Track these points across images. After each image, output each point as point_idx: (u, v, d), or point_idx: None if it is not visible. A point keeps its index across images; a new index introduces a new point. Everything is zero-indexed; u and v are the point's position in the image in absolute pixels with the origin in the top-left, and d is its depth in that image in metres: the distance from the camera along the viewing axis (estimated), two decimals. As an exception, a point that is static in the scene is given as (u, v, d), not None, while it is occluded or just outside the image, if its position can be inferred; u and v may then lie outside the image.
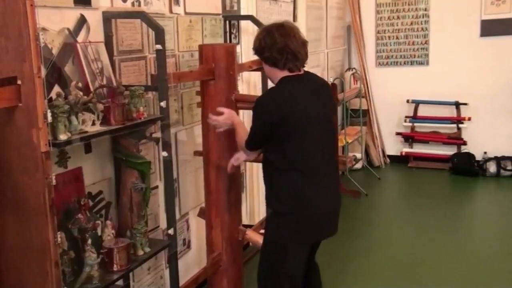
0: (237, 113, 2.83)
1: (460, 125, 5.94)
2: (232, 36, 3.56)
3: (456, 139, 5.96)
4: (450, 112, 6.01)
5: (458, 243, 4.03)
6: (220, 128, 2.64)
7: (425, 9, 6.03)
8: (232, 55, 2.78)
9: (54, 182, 1.71)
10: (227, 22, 3.48)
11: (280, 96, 2.27)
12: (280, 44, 2.26)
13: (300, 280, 2.45)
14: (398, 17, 6.16)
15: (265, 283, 2.46)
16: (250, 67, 3.42)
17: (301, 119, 2.25)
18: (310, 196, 2.30)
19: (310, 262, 2.55)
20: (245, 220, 3.77)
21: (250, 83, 3.84)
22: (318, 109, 2.34)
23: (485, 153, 5.81)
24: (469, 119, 5.89)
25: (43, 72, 1.79)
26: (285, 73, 2.32)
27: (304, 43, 2.34)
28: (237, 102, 2.80)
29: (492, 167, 5.70)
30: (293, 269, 2.39)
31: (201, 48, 2.78)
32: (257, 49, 2.35)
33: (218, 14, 3.39)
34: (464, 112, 5.94)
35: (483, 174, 5.70)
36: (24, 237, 1.75)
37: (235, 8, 3.60)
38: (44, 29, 1.99)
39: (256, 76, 3.71)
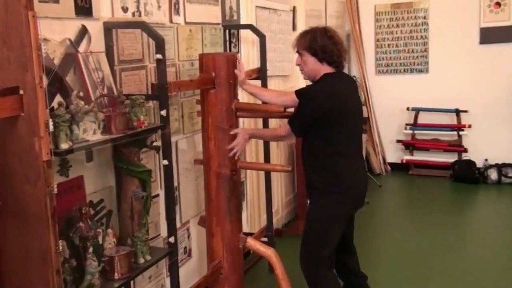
0: (237, 122, 2.85)
1: (461, 133, 5.95)
2: (232, 45, 3.58)
3: (457, 147, 5.97)
4: (451, 119, 6.03)
5: (459, 251, 4.03)
6: (241, 149, 2.84)
7: (424, 17, 6.07)
8: (232, 64, 2.80)
9: (55, 190, 1.72)
10: (227, 31, 3.51)
11: (331, 88, 2.63)
12: (331, 44, 2.65)
13: (334, 248, 2.78)
14: (397, 25, 6.20)
15: (310, 254, 2.76)
16: (249, 75, 3.44)
17: (345, 109, 2.65)
18: (351, 176, 2.73)
19: (346, 239, 2.93)
20: (246, 228, 3.78)
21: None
22: (354, 101, 2.76)
23: (486, 160, 5.82)
24: (470, 126, 5.90)
25: (45, 82, 1.81)
26: (328, 70, 2.67)
27: (344, 45, 2.78)
28: (237, 111, 2.82)
29: (493, 174, 5.70)
30: (334, 239, 2.75)
31: (202, 57, 2.80)
32: (314, 48, 2.64)
33: (218, 24, 3.42)
34: (465, 119, 5.95)
35: (484, 181, 5.71)
36: (26, 245, 1.76)
37: (235, 17, 3.63)
38: (46, 39, 2.02)
39: (256, 84, 3.73)
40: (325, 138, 2.65)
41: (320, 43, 2.64)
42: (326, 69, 2.67)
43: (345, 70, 6.39)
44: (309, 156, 2.73)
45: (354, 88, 2.84)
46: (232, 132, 2.80)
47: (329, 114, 2.59)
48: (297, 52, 2.76)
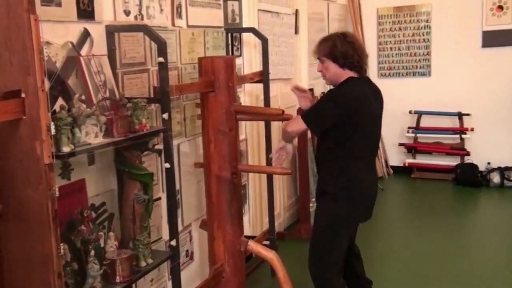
0: (237, 125, 2.85)
1: (463, 136, 5.94)
2: (234, 48, 3.59)
3: (459, 150, 5.96)
4: (453, 122, 6.02)
5: (462, 254, 4.01)
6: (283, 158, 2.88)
7: (427, 21, 6.06)
8: (231, 67, 2.80)
9: (57, 193, 1.72)
10: (229, 34, 3.52)
11: (355, 92, 2.64)
12: (352, 50, 2.67)
13: (344, 256, 2.80)
14: (399, 29, 6.20)
15: (319, 258, 2.76)
16: (251, 78, 3.45)
17: (367, 114, 2.65)
18: (365, 182, 2.74)
19: (352, 245, 2.96)
20: (248, 231, 3.77)
21: (252, 95, 3.86)
22: (376, 108, 2.75)
23: (488, 163, 5.80)
24: (472, 129, 5.89)
25: (47, 85, 1.82)
26: (351, 74, 2.68)
27: (365, 50, 2.80)
28: (236, 114, 2.82)
29: (495, 178, 5.69)
30: (343, 245, 2.75)
31: (201, 60, 2.81)
32: (334, 54, 2.67)
33: (220, 27, 3.42)
34: (467, 122, 5.94)
35: (486, 184, 5.69)
36: (27, 248, 1.76)
37: (237, 20, 3.64)
38: (48, 42, 2.02)
39: (258, 87, 3.74)
40: (343, 142, 2.65)
41: (340, 49, 2.66)
42: (348, 73, 2.69)
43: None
44: (325, 159, 2.75)
45: (376, 95, 2.78)
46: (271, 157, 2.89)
47: (350, 118, 2.59)
48: (318, 58, 2.77)
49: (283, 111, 2.81)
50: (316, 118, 2.68)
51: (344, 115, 2.59)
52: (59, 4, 2.11)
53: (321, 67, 2.78)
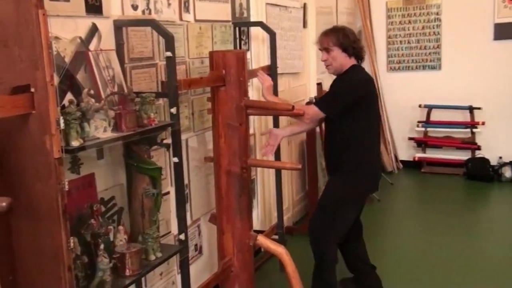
0: (248, 119, 2.85)
1: (474, 130, 5.89)
2: (242, 42, 3.58)
3: (470, 144, 5.92)
4: (464, 116, 5.98)
5: (473, 250, 3.99)
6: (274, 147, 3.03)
7: (437, 13, 6.01)
8: (242, 61, 2.79)
9: (66, 188, 1.74)
10: (237, 28, 3.51)
11: (364, 77, 2.97)
12: (359, 41, 2.99)
13: (347, 230, 3.01)
14: (409, 22, 6.16)
15: (321, 229, 2.95)
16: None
17: (373, 96, 2.98)
18: (373, 158, 3.03)
19: (356, 225, 3.15)
20: (256, 226, 3.78)
21: (260, 89, 3.85)
22: (376, 91, 3.07)
23: (500, 157, 5.76)
24: (483, 123, 5.85)
25: (56, 80, 1.82)
26: (354, 62, 2.96)
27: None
28: (247, 108, 2.82)
29: (507, 172, 5.65)
30: (350, 219, 2.98)
31: (212, 54, 2.80)
32: (345, 44, 2.90)
33: (228, 21, 3.42)
34: (478, 116, 5.90)
35: (498, 179, 5.66)
36: (38, 242, 1.78)
37: (245, 15, 3.63)
38: (56, 37, 2.03)
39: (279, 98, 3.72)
40: (356, 121, 2.88)
41: (351, 39, 2.92)
42: (352, 62, 2.95)
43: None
44: (337, 138, 2.95)
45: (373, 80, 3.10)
46: (262, 134, 3.03)
47: (363, 99, 2.87)
48: (324, 48, 2.96)
49: (293, 107, 2.80)
50: (334, 104, 2.89)
51: (359, 98, 2.85)
52: (67, -1, 2.12)
53: (327, 56, 2.94)
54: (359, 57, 2.98)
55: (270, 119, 3.75)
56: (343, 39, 2.90)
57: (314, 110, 2.91)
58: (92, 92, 2.06)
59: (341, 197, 2.93)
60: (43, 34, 1.63)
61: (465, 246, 4.04)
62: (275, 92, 3.52)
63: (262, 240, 2.94)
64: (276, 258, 3.12)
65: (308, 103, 4.32)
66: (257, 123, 3.84)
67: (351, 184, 2.94)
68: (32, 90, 1.67)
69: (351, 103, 2.85)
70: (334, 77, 3.07)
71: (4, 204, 1.44)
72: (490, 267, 3.68)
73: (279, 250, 2.93)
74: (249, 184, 2.95)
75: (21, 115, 1.68)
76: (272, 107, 3.10)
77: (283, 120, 3.99)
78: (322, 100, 2.98)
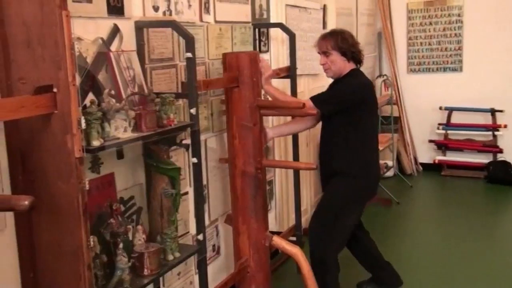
0: (262, 120, 2.87)
1: (496, 133, 5.81)
2: (262, 43, 3.58)
3: (492, 147, 5.84)
4: (485, 119, 5.89)
5: (493, 254, 3.93)
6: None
7: (459, 15, 5.94)
8: (255, 62, 2.81)
9: (87, 187, 1.76)
10: (257, 30, 3.51)
11: (363, 81, 2.98)
12: (357, 44, 2.98)
13: (348, 237, 3.00)
14: (430, 23, 6.09)
15: (323, 236, 2.88)
16: (279, 74, 3.44)
17: (372, 100, 2.99)
18: (374, 162, 3.02)
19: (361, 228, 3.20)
20: (274, 227, 3.77)
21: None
22: (375, 96, 3.10)
23: (522, 161, 5.67)
24: (505, 126, 5.76)
25: (78, 80, 1.85)
26: (353, 66, 2.96)
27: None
28: (260, 109, 2.82)
29: (529, 176, 5.56)
30: (350, 225, 2.95)
31: (225, 56, 2.82)
32: (344, 48, 2.89)
33: (248, 22, 3.42)
34: (500, 119, 5.81)
35: (520, 183, 5.56)
36: (59, 240, 1.80)
37: (265, 16, 3.63)
38: (79, 38, 2.05)
39: (286, 83, 3.72)
40: (355, 124, 2.87)
41: (350, 43, 2.91)
42: (351, 65, 2.94)
43: (376, 69, 6.38)
44: (337, 142, 2.91)
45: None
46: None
47: (363, 103, 2.87)
48: (323, 52, 2.95)
49: (304, 104, 2.80)
50: (329, 101, 2.88)
51: (358, 101, 2.85)
52: (90, 1, 2.14)
53: (325, 60, 2.95)
54: (358, 61, 2.97)
55: (288, 120, 3.74)
56: (342, 43, 2.90)
57: (307, 104, 2.85)
58: (113, 92, 2.08)
59: (342, 202, 2.89)
60: (66, 35, 1.65)
61: (486, 251, 3.98)
62: (294, 93, 3.52)
63: (277, 240, 2.94)
64: (293, 260, 3.12)
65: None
66: (275, 123, 3.84)
67: (353, 190, 2.90)
68: (55, 90, 1.69)
69: (348, 105, 2.85)
70: None
71: (26, 202, 1.45)
72: (509, 271, 3.62)
73: (294, 250, 2.92)
74: (264, 184, 2.96)
75: (43, 115, 1.70)
76: (283, 105, 3.10)
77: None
78: (318, 97, 2.92)
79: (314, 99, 2.90)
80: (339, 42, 2.90)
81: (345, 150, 2.90)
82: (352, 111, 2.85)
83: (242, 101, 2.77)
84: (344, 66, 2.93)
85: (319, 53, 3.02)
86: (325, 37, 2.97)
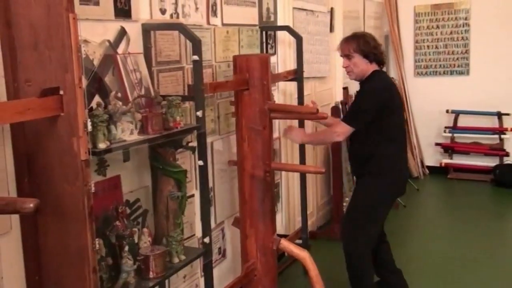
0: (271, 123, 2.85)
1: (503, 136, 5.78)
2: (269, 46, 3.58)
3: (498, 150, 5.80)
4: (492, 122, 5.86)
5: (500, 257, 3.90)
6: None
7: (466, 18, 5.92)
8: (265, 65, 2.80)
9: (93, 189, 1.75)
10: (264, 32, 3.51)
11: (387, 83, 3.01)
12: (380, 46, 3.02)
13: (378, 233, 3.08)
14: (437, 27, 6.07)
15: (355, 232, 2.96)
16: (285, 77, 3.43)
17: (396, 101, 3.00)
18: (401, 162, 3.07)
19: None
20: (281, 230, 3.76)
21: (286, 93, 3.84)
22: (399, 94, 3.12)
23: (529, 165, 5.63)
24: (512, 129, 5.73)
25: (84, 82, 1.85)
26: (375, 67, 2.98)
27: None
28: (270, 112, 2.81)
29: (536, 180, 5.51)
30: (380, 223, 3.05)
31: (235, 58, 2.81)
32: (363, 49, 2.92)
33: (255, 25, 3.42)
34: (507, 122, 5.78)
35: (527, 186, 5.52)
36: (64, 243, 1.80)
37: (272, 19, 3.62)
38: (86, 41, 2.06)
39: (293, 86, 3.72)
40: (382, 127, 2.91)
41: (372, 45, 2.95)
42: (373, 67, 2.97)
43: (383, 72, 6.35)
44: (364, 145, 2.96)
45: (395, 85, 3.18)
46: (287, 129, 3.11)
47: (386, 105, 2.90)
48: (345, 55, 2.99)
49: (317, 110, 2.79)
50: (360, 116, 2.92)
51: (382, 105, 2.87)
52: (97, 3, 2.14)
53: (348, 63, 2.98)
54: (380, 62, 3.01)
55: (295, 123, 3.73)
56: (364, 46, 2.93)
57: (344, 128, 2.94)
58: (119, 95, 2.08)
59: (373, 200, 2.96)
60: (73, 37, 1.65)
61: (493, 254, 3.95)
62: (300, 96, 3.50)
63: (285, 244, 2.92)
64: (299, 263, 3.10)
65: (333, 108, 4.30)
66: (282, 127, 3.83)
67: (381, 190, 2.97)
68: (61, 92, 1.69)
69: (375, 112, 2.89)
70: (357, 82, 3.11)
71: (31, 205, 1.45)
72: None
73: (302, 254, 2.91)
74: (272, 188, 2.94)
75: (49, 117, 1.70)
76: (296, 110, 3.09)
77: (308, 124, 3.97)
78: (348, 116, 3.02)
79: (346, 120, 2.97)
80: (361, 45, 2.93)
81: (371, 153, 2.95)
82: (378, 115, 2.89)
83: (251, 104, 2.76)
84: (366, 68, 2.97)
85: (341, 56, 3.06)
86: (347, 40, 3.01)
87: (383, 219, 3.11)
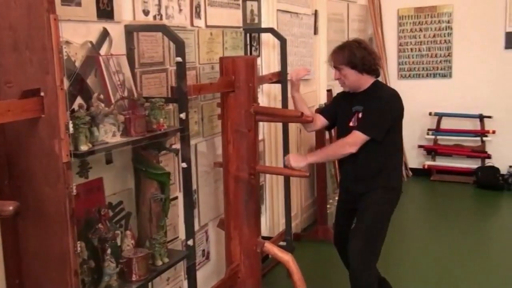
0: (257, 125, 2.84)
1: (484, 138, 5.85)
2: (253, 48, 3.58)
3: (480, 153, 5.87)
4: (474, 125, 5.93)
5: (482, 259, 3.95)
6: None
7: (448, 22, 5.99)
8: (252, 67, 2.80)
9: (74, 192, 1.74)
10: (248, 35, 3.51)
11: (393, 91, 2.91)
12: (367, 55, 2.80)
13: None
14: (420, 30, 6.13)
15: (370, 249, 2.80)
16: (270, 79, 3.44)
17: (403, 111, 2.90)
18: (401, 172, 3.04)
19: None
20: (265, 232, 3.76)
21: (270, 95, 3.85)
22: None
23: (510, 166, 5.70)
24: (494, 132, 5.80)
25: (66, 84, 1.83)
26: (370, 78, 2.84)
27: (377, 53, 2.99)
28: (256, 114, 2.81)
29: (517, 181, 5.59)
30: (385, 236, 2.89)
31: (222, 60, 2.81)
32: (354, 61, 2.78)
33: (239, 27, 3.42)
34: (488, 125, 5.85)
35: (508, 188, 5.59)
36: (45, 246, 1.78)
37: (256, 21, 3.63)
38: (67, 42, 2.04)
39: (277, 88, 3.72)
40: (391, 138, 2.82)
41: (359, 56, 2.78)
42: (369, 78, 2.84)
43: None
44: (375, 157, 2.81)
45: None
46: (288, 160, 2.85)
47: (400, 116, 2.87)
48: (335, 67, 2.86)
49: (302, 113, 2.80)
50: (379, 127, 2.77)
51: (398, 115, 2.85)
52: (79, 4, 2.12)
53: (339, 75, 2.86)
54: (372, 71, 2.83)
55: (279, 125, 3.74)
56: (350, 57, 2.78)
57: (360, 137, 2.74)
58: (102, 96, 2.07)
59: (387, 219, 2.87)
60: (54, 39, 1.64)
61: (475, 255, 4.00)
62: (285, 99, 3.51)
63: (269, 247, 2.93)
64: (283, 265, 3.11)
65: (318, 110, 4.32)
66: (266, 129, 3.84)
67: (391, 204, 2.88)
68: (42, 94, 1.67)
69: (393, 122, 2.81)
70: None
71: (11, 208, 1.44)
72: (498, 275, 3.63)
73: (286, 257, 2.92)
74: (257, 190, 2.94)
75: (30, 119, 1.69)
76: (281, 114, 3.10)
77: (292, 126, 3.98)
78: (365, 125, 2.77)
79: (363, 129, 2.75)
80: (347, 57, 2.79)
81: (384, 163, 2.82)
82: (392, 124, 2.81)
83: (237, 106, 2.76)
84: (359, 78, 2.81)
85: (332, 67, 2.94)
86: (335, 52, 2.87)
87: None
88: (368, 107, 2.79)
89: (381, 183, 2.83)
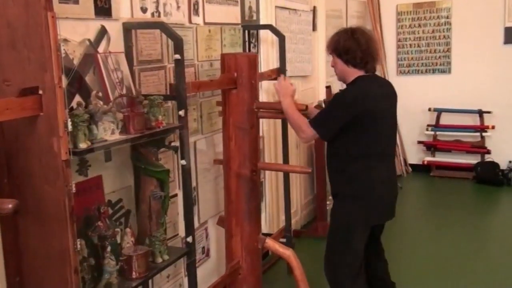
0: (258, 122, 2.84)
1: (484, 134, 5.85)
2: (251, 45, 3.58)
3: (480, 148, 5.88)
4: (473, 120, 5.94)
5: (482, 254, 3.96)
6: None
7: (447, 17, 5.98)
8: (254, 64, 2.79)
9: (74, 190, 1.74)
10: (246, 31, 3.51)
11: (363, 92, 2.55)
12: (364, 47, 2.57)
13: (361, 260, 2.68)
14: (419, 25, 6.13)
15: (331, 261, 2.72)
16: (269, 76, 3.43)
17: (376, 113, 2.56)
18: (377, 181, 2.60)
19: (375, 247, 2.88)
20: (265, 229, 3.77)
21: (269, 92, 3.85)
22: (387, 104, 2.66)
23: (510, 162, 5.72)
24: (493, 127, 5.80)
25: (64, 82, 1.83)
26: (358, 73, 2.61)
27: (373, 47, 2.65)
28: (258, 111, 2.81)
29: (517, 177, 5.60)
30: (356, 249, 2.64)
31: (223, 57, 2.80)
32: (338, 49, 2.61)
33: (237, 24, 3.42)
34: (488, 120, 5.85)
35: (507, 183, 5.61)
36: (45, 244, 1.78)
37: (254, 17, 3.62)
38: (65, 40, 2.04)
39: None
40: (355, 141, 2.57)
41: (343, 45, 2.58)
42: (355, 71, 2.61)
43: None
44: (335, 161, 2.68)
45: (387, 92, 2.71)
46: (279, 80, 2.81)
47: (360, 117, 2.52)
48: (330, 54, 2.73)
49: (306, 107, 2.81)
50: (327, 126, 2.60)
51: (352, 117, 2.51)
52: (76, 2, 2.12)
53: (332, 62, 2.74)
54: (357, 65, 2.59)
55: (278, 122, 3.74)
56: (336, 44, 2.62)
57: (311, 133, 2.62)
58: (100, 94, 2.06)
59: (344, 232, 2.63)
60: (52, 37, 1.64)
61: (474, 250, 4.00)
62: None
63: (270, 243, 2.93)
64: (283, 261, 3.11)
65: (317, 107, 4.32)
66: (265, 126, 3.84)
67: (352, 216, 2.61)
68: (40, 92, 1.67)
69: (343, 122, 2.53)
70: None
71: (10, 206, 1.44)
72: (498, 271, 3.64)
73: (287, 253, 2.92)
74: (258, 187, 2.95)
75: (29, 117, 1.68)
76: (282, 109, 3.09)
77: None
78: (315, 119, 2.64)
79: (313, 123, 2.61)
80: (334, 43, 2.63)
81: (341, 171, 2.63)
82: (348, 128, 2.54)
83: (239, 103, 2.75)
84: (345, 70, 2.62)
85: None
86: (330, 38, 2.73)
87: (361, 249, 2.66)
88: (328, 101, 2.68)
89: (340, 191, 2.66)
